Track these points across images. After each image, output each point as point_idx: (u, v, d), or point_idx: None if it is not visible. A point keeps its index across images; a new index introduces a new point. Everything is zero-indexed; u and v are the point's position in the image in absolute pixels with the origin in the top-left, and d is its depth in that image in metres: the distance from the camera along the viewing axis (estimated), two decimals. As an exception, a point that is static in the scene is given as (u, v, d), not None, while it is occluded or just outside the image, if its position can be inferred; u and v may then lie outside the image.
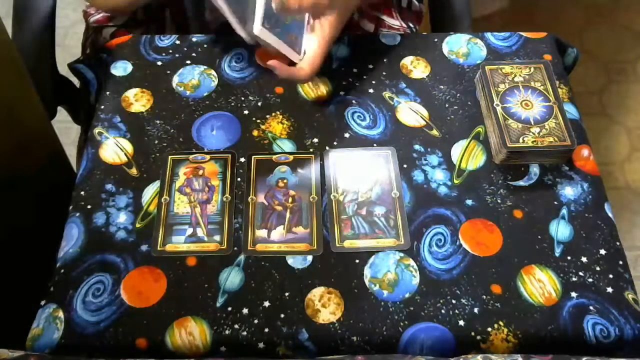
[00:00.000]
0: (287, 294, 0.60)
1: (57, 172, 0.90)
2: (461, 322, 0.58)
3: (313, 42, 0.69)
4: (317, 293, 0.60)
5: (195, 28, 0.87)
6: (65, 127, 1.30)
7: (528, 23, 1.72)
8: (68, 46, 1.54)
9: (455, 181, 0.67)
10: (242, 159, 0.69)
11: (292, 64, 0.70)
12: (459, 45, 0.79)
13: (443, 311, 0.59)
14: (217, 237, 0.63)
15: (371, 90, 0.74)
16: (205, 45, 0.79)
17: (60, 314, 0.58)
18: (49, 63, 0.88)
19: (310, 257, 0.62)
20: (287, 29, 0.69)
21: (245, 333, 0.58)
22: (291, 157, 0.69)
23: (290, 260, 0.62)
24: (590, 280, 0.61)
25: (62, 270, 0.61)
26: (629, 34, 1.74)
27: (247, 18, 0.66)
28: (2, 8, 1.21)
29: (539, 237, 0.64)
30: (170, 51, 0.78)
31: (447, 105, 0.74)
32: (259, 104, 0.73)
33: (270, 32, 0.66)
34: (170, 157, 0.69)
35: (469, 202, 0.66)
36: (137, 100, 0.73)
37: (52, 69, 0.89)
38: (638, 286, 0.62)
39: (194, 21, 0.87)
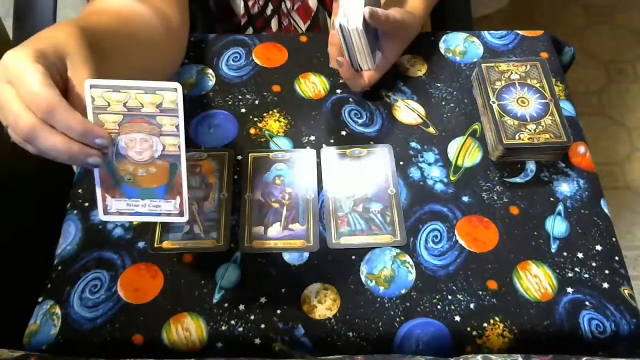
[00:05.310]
0: (283, 290, 0.60)
1: (57, 172, 0.90)
2: (457, 318, 0.59)
3: (378, 60, 0.72)
4: (313, 289, 0.60)
5: (200, 22, 0.88)
6: (66, 128, 1.30)
7: (528, 23, 1.73)
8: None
9: (452, 178, 0.68)
10: (239, 157, 0.69)
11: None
12: (455, 44, 0.80)
13: (439, 307, 0.59)
14: (214, 234, 0.63)
15: (368, 88, 0.74)
16: (202, 44, 0.79)
17: (58, 310, 0.58)
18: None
19: (306, 254, 0.62)
20: (372, 42, 0.69)
21: (241, 329, 0.58)
22: (288, 155, 0.69)
23: (286, 257, 0.62)
24: (586, 275, 0.61)
25: (60, 267, 0.61)
26: (629, 34, 1.74)
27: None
28: (2, 8, 1.22)
29: (535, 233, 0.64)
30: (168, 50, 0.78)
31: (443, 103, 0.74)
32: (256, 102, 0.74)
33: (366, 36, 0.66)
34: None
35: (465, 198, 0.66)
36: (135, 99, 0.74)
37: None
38: (638, 285, 0.62)
39: (198, 15, 0.88)
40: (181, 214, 0.52)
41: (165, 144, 0.50)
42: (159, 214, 0.52)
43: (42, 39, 0.47)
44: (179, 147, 0.50)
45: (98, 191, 0.51)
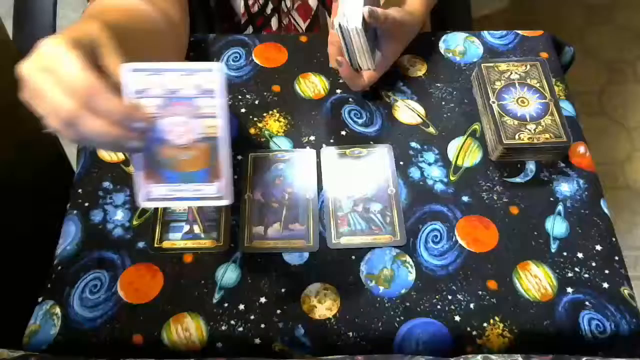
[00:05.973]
0: (283, 290, 0.60)
1: (57, 172, 0.91)
2: (457, 318, 0.59)
3: (377, 60, 0.71)
4: (313, 289, 0.60)
5: (201, 20, 0.88)
6: (66, 128, 1.30)
7: (528, 23, 1.71)
8: (69, 48, 1.55)
9: (452, 178, 0.68)
10: (239, 157, 0.69)
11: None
12: (455, 44, 0.80)
13: (439, 307, 0.59)
14: (213, 234, 0.63)
15: (368, 88, 0.74)
16: (202, 44, 0.79)
17: (58, 310, 0.58)
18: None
19: (306, 254, 0.62)
20: (371, 42, 0.69)
21: (241, 329, 0.58)
22: (288, 155, 0.69)
23: (286, 257, 0.62)
24: (586, 275, 0.61)
25: (60, 267, 0.61)
26: (629, 34, 1.74)
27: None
28: (2, 8, 1.22)
29: (535, 233, 0.64)
30: (168, 50, 0.78)
31: (443, 103, 0.74)
32: (257, 102, 0.74)
33: (365, 35, 0.66)
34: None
35: (465, 198, 0.66)
36: (135, 99, 0.74)
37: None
38: (638, 285, 0.62)
39: (199, 14, 0.88)
40: (224, 196, 0.51)
41: (205, 126, 0.48)
42: (200, 198, 0.51)
43: (74, 30, 0.47)
44: (219, 129, 0.48)
45: (138, 177, 0.50)
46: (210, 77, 0.47)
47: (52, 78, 0.44)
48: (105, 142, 0.46)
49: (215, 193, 0.50)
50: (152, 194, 0.50)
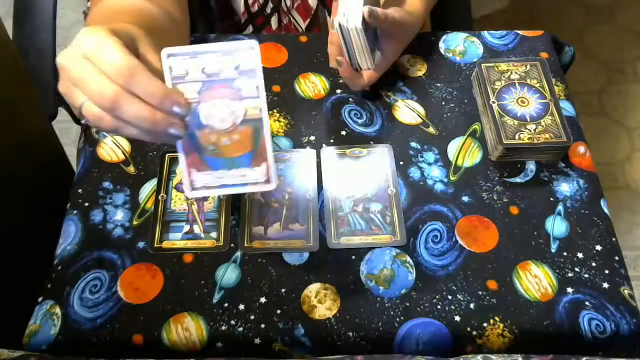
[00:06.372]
0: (283, 290, 0.60)
1: (57, 172, 0.91)
2: (457, 318, 0.59)
3: (377, 60, 0.71)
4: (313, 289, 0.60)
5: (201, 20, 0.88)
6: (65, 127, 1.31)
7: (528, 23, 1.73)
8: (69, 47, 1.55)
9: (452, 178, 0.68)
10: (239, 157, 0.69)
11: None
12: (455, 44, 0.80)
13: (439, 307, 0.59)
14: (213, 234, 0.63)
15: (368, 88, 0.74)
16: (203, 45, 0.79)
17: (58, 310, 0.58)
18: (50, 63, 0.89)
19: (306, 254, 0.62)
20: (371, 42, 0.69)
21: (241, 329, 0.58)
22: (288, 155, 0.69)
23: (286, 257, 0.62)
24: (586, 275, 0.61)
25: (60, 267, 0.61)
26: (629, 34, 1.74)
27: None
28: (2, 8, 1.22)
29: (535, 233, 0.64)
30: (168, 50, 0.78)
31: (443, 103, 0.74)
32: (256, 102, 0.74)
33: (365, 35, 0.66)
34: (167, 154, 0.69)
35: (465, 198, 0.66)
36: (135, 99, 0.74)
37: (53, 69, 0.90)
38: (638, 285, 0.62)
39: (199, 14, 0.88)
40: (268, 181, 0.50)
41: (246, 108, 0.48)
42: (245, 184, 0.50)
43: (109, 24, 0.48)
44: (260, 110, 0.48)
45: (183, 165, 0.49)
46: (248, 56, 0.46)
47: (93, 64, 0.44)
48: (147, 127, 0.45)
49: (261, 178, 0.50)
50: (197, 183, 0.50)
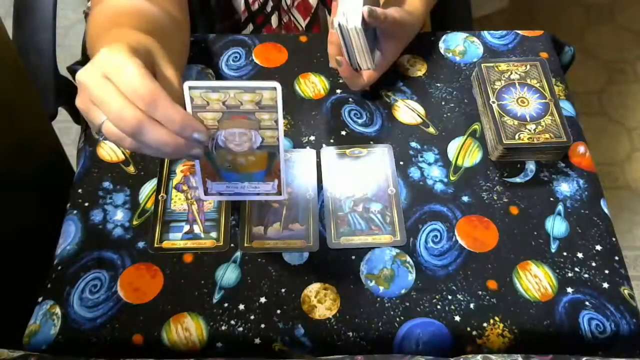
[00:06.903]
0: (283, 290, 0.60)
1: (57, 172, 0.91)
2: (457, 318, 0.59)
3: (377, 59, 0.71)
4: (313, 289, 0.60)
5: (201, 19, 0.88)
6: (65, 127, 1.31)
7: (528, 23, 1.73)
8: (68, 46, 1.54)
9: (452, 178, 0.68)
10: (239, 157, 0.69)
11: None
12: (455, 44, 0.80)
13: (439, 307, 0.59)
14: (213, 234, 0.63)
15: (368, 88, 0.74)
16: (202, 44, 0.79)
17: (57, 310, 0.58)
18: (50, 63, 0.89)
19: (306, 254, 0.62)
20: (371, 42, 0.69)
21: (241, 329, 0.58)
22: (288, 155, 0.69)
23: (286, 257, 0.62)
24: (586, 275, 0.61)
25: (60, 267, 0.61)
26: (629, 34, 1.74)
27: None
28: (2, 8, 1.22)
29: (535, 233, 0.64)
30: (168, 50, 0.78)
31: (443, 103, 0.74)
32: (256, 102, 0.74)
33: (365, 34, 0.66)
34: (167, 155, 0.69)
35: (465, 198, 0.66)
36: (135, 99, 0.74)
37: (53, 69, 0.90)
38: (638, 285, 0.62)
39: (199, 14, 0.88)
40: (279, 193, 0.55)
41: (264, 137, 0.50)
42: (257, 194, 0.54)
43: (127, 38, 0.48)
44: (277, 139, 0.50)
45: (199, 176, 0.52)
46: (269, 95, 0.48)
47: (113, 86, 0.44)
48: (169, 151, 0.46)
49: (271, 190, 0.54)
50: (212, 189, 0.54)
